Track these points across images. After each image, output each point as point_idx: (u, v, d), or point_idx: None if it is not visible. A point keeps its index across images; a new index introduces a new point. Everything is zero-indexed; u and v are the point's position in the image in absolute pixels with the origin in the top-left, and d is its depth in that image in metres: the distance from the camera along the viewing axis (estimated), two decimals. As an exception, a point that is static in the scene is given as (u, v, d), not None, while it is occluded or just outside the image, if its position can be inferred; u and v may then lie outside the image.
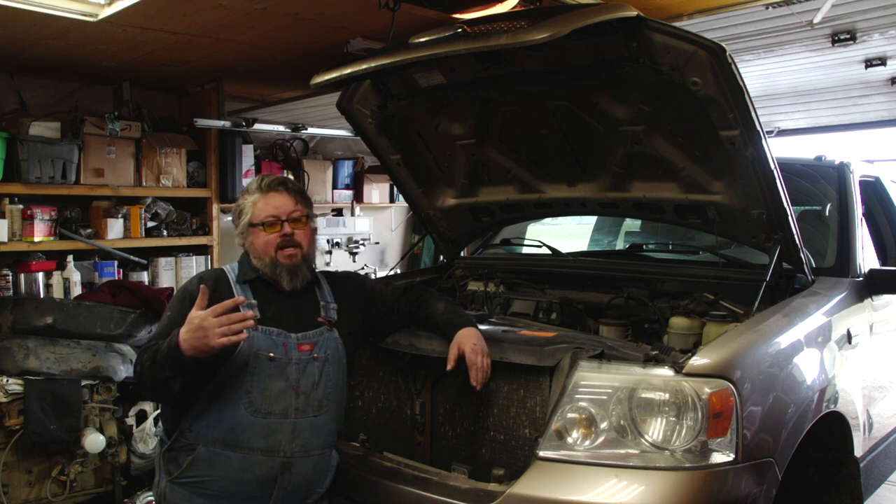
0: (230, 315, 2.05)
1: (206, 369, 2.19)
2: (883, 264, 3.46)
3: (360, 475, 2.49)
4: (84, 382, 3.55)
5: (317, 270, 2.55)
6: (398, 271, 4.17)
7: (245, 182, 5.62)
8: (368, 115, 3.20)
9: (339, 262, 6.44)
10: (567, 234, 6.88)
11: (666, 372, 2.10)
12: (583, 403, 2.13)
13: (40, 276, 4.54)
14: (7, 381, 3.40)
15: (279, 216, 2.35)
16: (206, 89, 5.33)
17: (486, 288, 3.37)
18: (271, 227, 2.34)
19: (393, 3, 3.16)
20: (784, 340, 2.39)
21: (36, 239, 4.49)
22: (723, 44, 2.28)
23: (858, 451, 2.79)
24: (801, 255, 2.68)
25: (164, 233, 5.24)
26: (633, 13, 2.25)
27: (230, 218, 6.16)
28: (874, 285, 3.04)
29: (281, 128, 5.87)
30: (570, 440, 2.13)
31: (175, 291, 3.53)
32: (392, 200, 7.17)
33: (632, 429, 2.08)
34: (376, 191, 6.97)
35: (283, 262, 2.33)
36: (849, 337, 2.80)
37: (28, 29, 3.70)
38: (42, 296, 4.48)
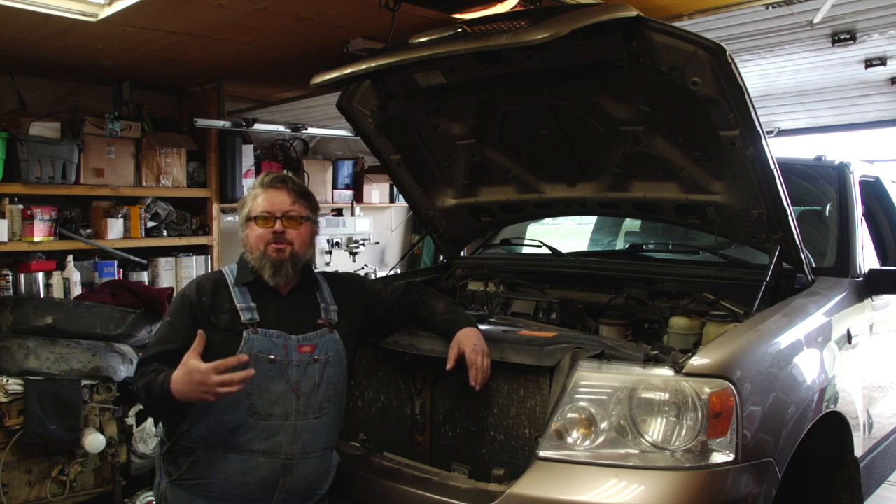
0: (232, 375, 2.06)
1: None
2: (883, 264, 3.46)
3: (360, 475, 2.49)
4: (84, 382, 3.55)
5: (316, 271, 2.55)
6: (398, 271, 4.17)
7: (245, 182, 5.63)
8: (368, 115, 3.20)
9: (339, 262, 6.44)
10: (567, 234, 6.89)
11: (666, 372, 2.10)
12: (583, 403, 2.13)
13: (40, 276, 4.53)
14: (7, 381, 3.40)
15: (274, 213, 2.36)
16: (206, 89, 5.33)
17: (486, 288, 3.37)
18: (265, 222, 2.35)
19: (393, 3, 3.17)
20: (784, 340, 2.39)
21: (36, 239, 4.49)
22: (723, 44, 2.28)
23: (858, 451, 2.79)
24: (801, 255, 2.68)
25: (164, 233, 5.24)
26: (633, 13, 2.25)
27: (230, 217, 6.18)
28: (874, 285, 3.04)
29: (281, 128, 5.87)
30: (570, 440, 2.12)
31: (174, 294, 3.53)
32: (392, 200, 7.17)
33: (632, 429, 2.08)
34: (376, 191, 6.97)
35: (269, 255, 2.34)
36: (849, 337, 2.79)
37: (28, 29, 3.70)
38: (42, 296, 4.48)
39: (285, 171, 6.07)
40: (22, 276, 4.49)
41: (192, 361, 2.07)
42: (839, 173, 3.37)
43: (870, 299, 3.04)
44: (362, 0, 3.22)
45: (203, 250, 5.51)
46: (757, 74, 4.89)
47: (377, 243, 7.07)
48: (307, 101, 5.50)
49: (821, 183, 3.41)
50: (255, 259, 2.36)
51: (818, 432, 2.49)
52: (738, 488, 2.06)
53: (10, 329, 3.55)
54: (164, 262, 5.23)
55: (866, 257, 3.13)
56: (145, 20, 3.55)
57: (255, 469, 2.24)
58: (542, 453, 2.13)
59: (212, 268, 5.42)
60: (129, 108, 5.07)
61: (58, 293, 4.51)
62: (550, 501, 2.04)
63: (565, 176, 3.18)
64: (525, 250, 4.08)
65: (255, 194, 2.40)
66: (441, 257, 4.05)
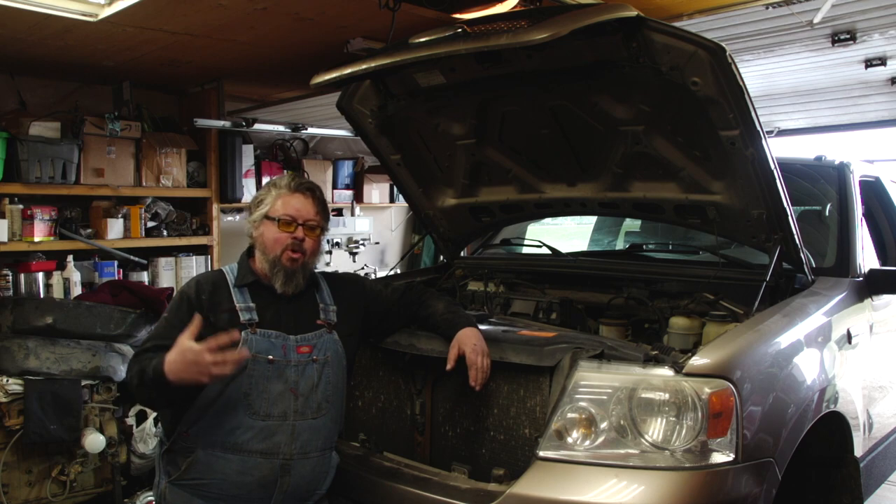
0: (225, 354, 2.05)
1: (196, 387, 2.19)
2: (883, 264, 3.46)
3: (360, 475, 2.49)
4: (84, 382, 3.55)
5: (316, 271, 2.55)
6: (398, 271, 4.17)
7: (245, 182, 5.64)
8: (368, 115, 3.20)
9: (339, 262, 6.44)
10: (567, 234, 6.88)
11: (666, 372, 2.10)
12: (583, 403, 2.13)
13: (40, 276, 4.53)
14: (7, 381, 3.40)
15: (297, 218, 2.35)
16: (206, 89, 5.33)
17: (486, 288, 3.37)
18: (286, 226, 2.34)
19: (393, 3, 3.17)
20: (784, 340, 2.39)
21: (36, 239, 4.49)
22: (723, 44, 2.28)
23: (858, 451, 2.79)
24: (801, 255, 2.68)
25: (164, 233, 5.24)
26: (633, 13, 2.25)
27: (231, 217, 6.17)
28: (874, 285, 3.04)
29: (281, 128, 5.87)
30: (570, 440, 2.12)
31: (174, 293, 3.53)
32: (392, 200, 7.18)
33: (632, 429, 2.08)
34: (376, 191, 6.97)
35: (284, 263, 2.33)
36: (849, 337, 2.80)
37: (28, 29, 3.70)
38: (42, 296, 4.48)
39: (285, 172, 6.11)
40: (22, 276, 4.49)
41: (185, 342, 2.06)
42: (839, 173, 3.37)
43: (870, 299, 3.04)
44: (362, 0, 3.22)
45: (203, 250, 5.51)
46: (757, 74, 4.89)
47: (377, 243, 7.07)
48: (307, 101, 5.50)
49: (821, 183, 3.41)
50: (267, 261, 2.35)
51: (818, 432, 2.49)
52: (738, 488, 2.06)
53: (10, 329, 3.55)
54: (164, 262, 5.24)
55: (866, 257, 3.13)
56: (145, 20, 3.55)
57: (254, 469, 2.24)
58: (542, 453, 2.13)
59: (212, 268, 5.42)
60: (129, 108, 5.07)
61: (58, 293, 4.51)
62: (550, 501, 2.04)
63: (565, 176, 3.18)
64: (525, 250, 4.08)
65: (279, 195, 2.37)
66: (441, 257, 4.05)
